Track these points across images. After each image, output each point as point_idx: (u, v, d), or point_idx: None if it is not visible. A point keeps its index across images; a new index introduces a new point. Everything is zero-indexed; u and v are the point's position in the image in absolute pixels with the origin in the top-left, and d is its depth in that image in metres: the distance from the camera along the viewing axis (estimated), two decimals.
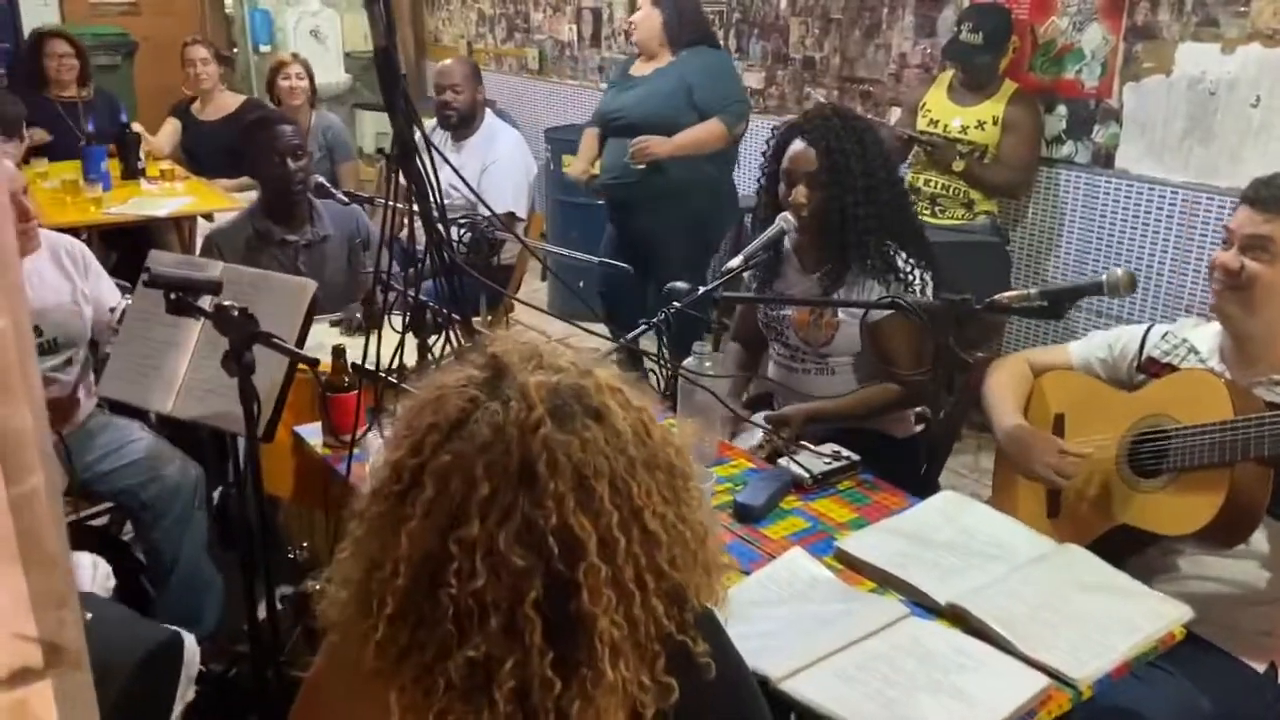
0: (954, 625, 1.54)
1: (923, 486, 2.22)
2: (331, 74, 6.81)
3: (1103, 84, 3.56)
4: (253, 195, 4.43)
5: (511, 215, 3.69)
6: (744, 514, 1.83)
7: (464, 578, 0.91)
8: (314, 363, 1.69)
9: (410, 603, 0.93)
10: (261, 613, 1.94)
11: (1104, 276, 1.76)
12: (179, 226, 4.16)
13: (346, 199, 2.62)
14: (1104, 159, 3.61)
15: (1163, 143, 3.44)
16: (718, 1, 4.97)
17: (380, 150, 6.93)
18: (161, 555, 2.52)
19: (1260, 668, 1.73)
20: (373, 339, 1.75)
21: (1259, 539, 1.69)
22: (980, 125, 3.62)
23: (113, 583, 1.97)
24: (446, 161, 1.55)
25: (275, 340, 1.61)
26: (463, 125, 3.79)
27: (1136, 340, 1.95)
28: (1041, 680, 1.39)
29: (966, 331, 1.88)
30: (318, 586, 1.44)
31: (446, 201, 1.64)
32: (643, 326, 2.18)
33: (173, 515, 2.51)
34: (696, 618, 1.00)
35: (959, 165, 3.57)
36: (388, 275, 1.61)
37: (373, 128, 7.16)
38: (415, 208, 1.60)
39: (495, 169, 3.77)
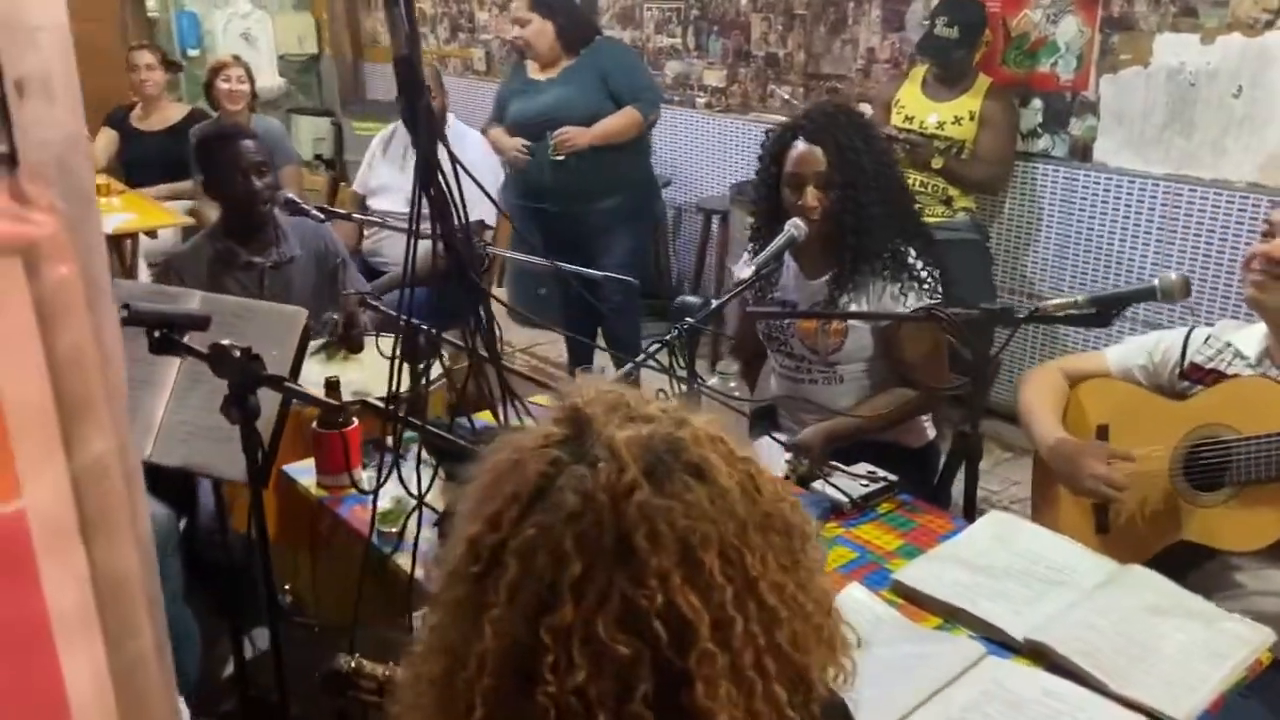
0: (1034, 663, 1.45)
1: (937, 494, 2.15)
2: (264, 78, 6.53)
3: (1079, 76, 3.52)
4: (186, 204, 4.23)
5: (481, 224, 3.54)
6: None
7: (561, 672, 0.77)
8: (342, 415, 1.52)
9: (502, 705, 0.80)
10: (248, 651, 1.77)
11: (1156, 281, 1.68)
12: (118, 246, 3.91)
13: (322, 215, 2.44)
14: (1082, 152, 3.57)
15: (1142, 135, 3.42)
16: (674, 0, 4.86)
17: (318, 156, 6.77)
18: None
19: None
20: (376, 368, 1.59)
21: None
22: (957, 121, 3.56)
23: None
24: (472, 177, 1.40)
25: (290, 385, 1.45)
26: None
27: (1178, 346, 1.88)
28: None
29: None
30: (352, 664, 1.30)
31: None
32: (655, 344, 2.04)
33: None
34: (824, 706, 0.88)
35: (937, 162, 3.51)
36: (408, 315, 1.45)
37: (309, 133, 6.90)
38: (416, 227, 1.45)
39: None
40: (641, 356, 2.05)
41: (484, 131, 3.84)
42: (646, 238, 4.07)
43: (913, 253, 2.17)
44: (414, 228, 1.32)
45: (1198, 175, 3.30)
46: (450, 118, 3.71)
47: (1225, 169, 3.24)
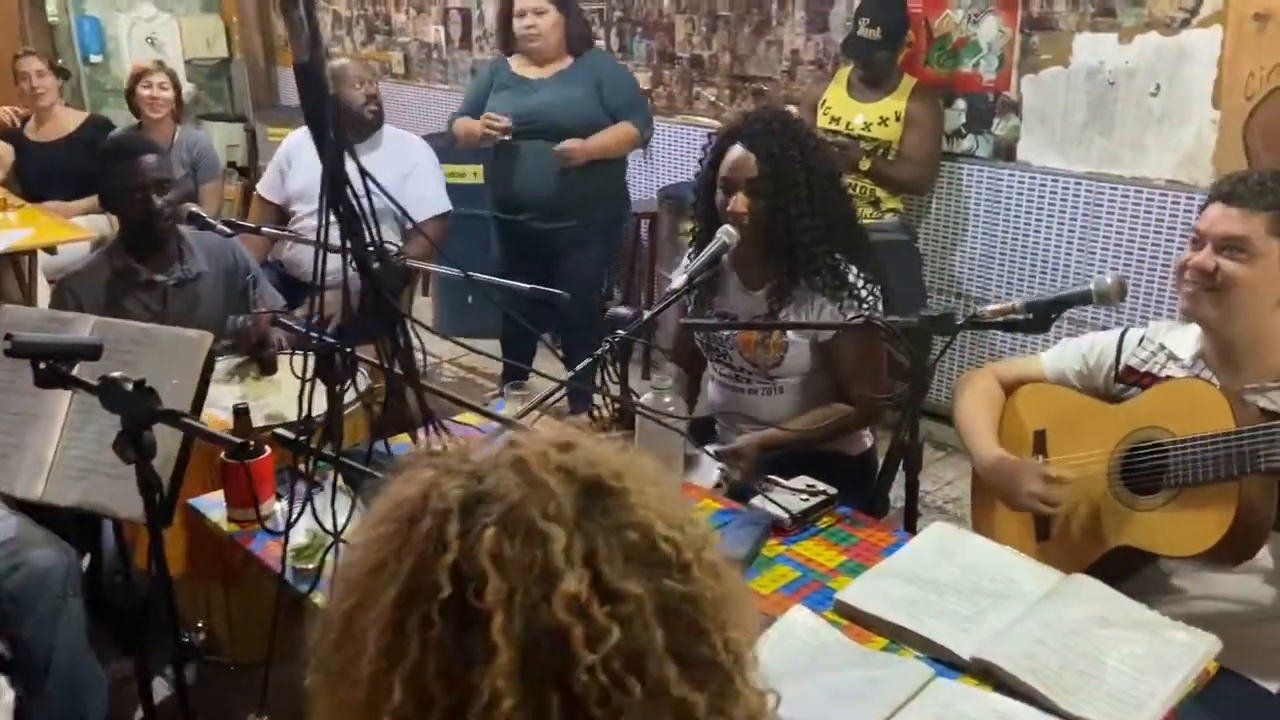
0: (983, 683, 1.40)
1: (875, 500, 2.11)
2: None
3: (1001, 77, 3.54)
4: (99, 219, 4.02)
5: (446, 215, 3.63)
6: None
7: (595, 640, 0.69)
8: (239, 449, 1.41)
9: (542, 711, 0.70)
10: None
11: (1092, 285, 1.66)
12: (15, 264, 3.69)
13: (229, 229, 2.30)
14: (1005, 152, 3.59)
15: (1063, 134, 3.44)
16: (597, 1, 4.78)
17: (231, 164, 6.55)
18: (33, 653, 2.16)
19: (1274, 688, 1.66)
20: (291, 390, 1.48)
21: (1264, 552, 1.62)
22: (883, 121, 3.55)
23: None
24: (386, 195, 1.30)
25: (186, 421, 1.34)
26: (377, 124, 3.50)
27: (1112, 349, 1.86)
28: None
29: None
30: None
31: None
32: (588, 360, 1.96)
33: (43, 606, 2.15)
34: None
35: (865, 164, 3.49)
36: (320, 335, 1.35)
37: (221, 141, 6.66)
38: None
39: (419, 172, 3.57)
40: (576, 370, 1.98)
41: (451, 124, 3.70)
42: (613, 252, 4.05)
43: (854, 270, 2.13)
44: (323, 242, 1.22)
45: (1118, 173, 3.34)
46: (387, 127, 3.58)
47: (1145, 167, 3.28)
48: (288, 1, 1.13)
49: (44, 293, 3.74)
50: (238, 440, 1.40)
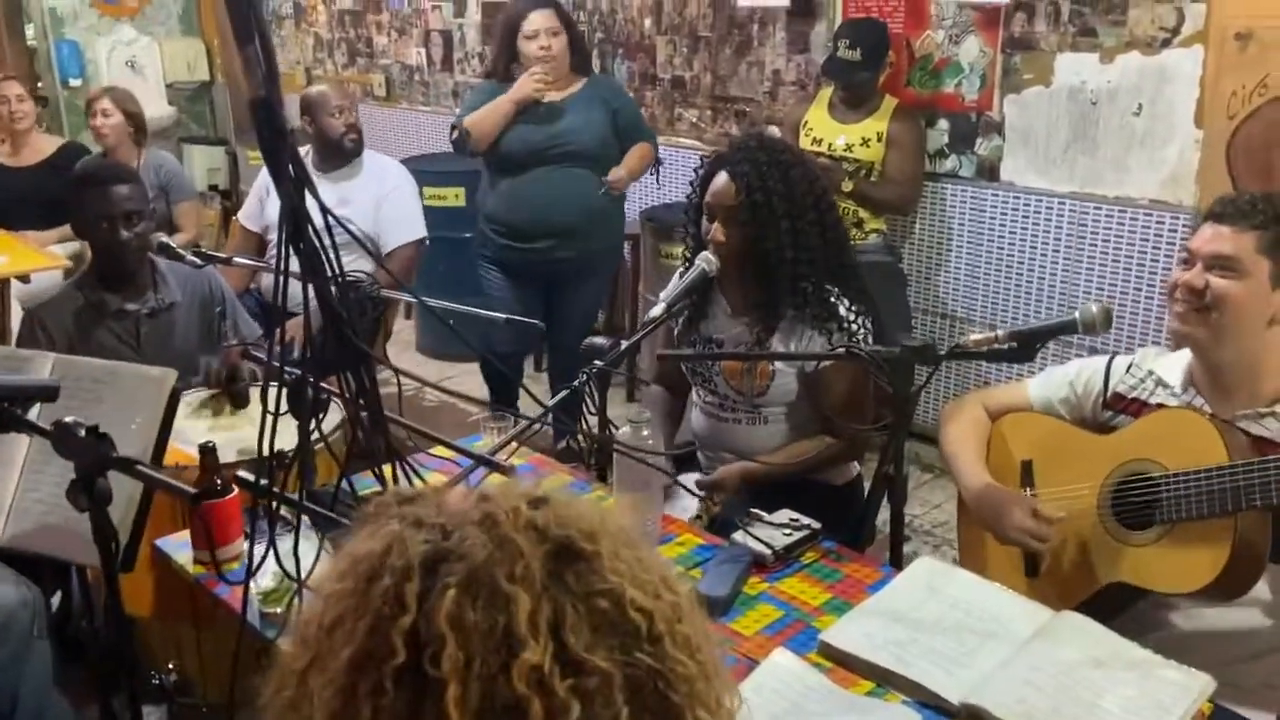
0: None
1: (859, 530, 2.07)
2: (153, 107, 6.24)
3: (983, 96, 3.52)
4: (75, 247, 3.96)
5: (423, 242, 3.58)
6: (709, 608, 1.60)
7: (554, 714, 0.65)
8: (195, 499, 1.36)
9: None
10: None
11: (1077, 314, 1.63)
12: None
13: (199, 261, 2.26)
14: (989, 172, 3.57)
15: (1046, 154, 3.43)
16: (578, 22, 4.76)
17: (213, 187, 6.49)
18: None
19: None
20: (251, 428, 1.42)
21: (1260, 587, 1.59)
22: (865, 142, 3.53)
23: None
24: (346, 229, 1.26)
25: (140, 468, 1.29)
26: (357, 152, 3.44)
27: (1100, 375, 1.83)
28: None
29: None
30: None
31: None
32: (563, 390, 1.92)
33: (8, 649, 2.09)
34: None
35: (847, 185, 3.47)
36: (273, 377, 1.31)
37: (202, 164, 6.62)
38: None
39: (396, 196, 3.52)
40: (552, 402, 1.93)
41: (455, 127, 3.42)
42: (611, 279, 4.02)
43: (845, 303, 2.08)
44: (283, 282, 1.17)
45: (1102, 193, 3.32)
46: (366, 152, 3.53)
47: (1128, 186, 3.26)
48: (243, 37, 1.09)
49: (16, 322, 3.68)
50: (192, 491, 1.35)
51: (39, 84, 6.65)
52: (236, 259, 2.45)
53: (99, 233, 2.39)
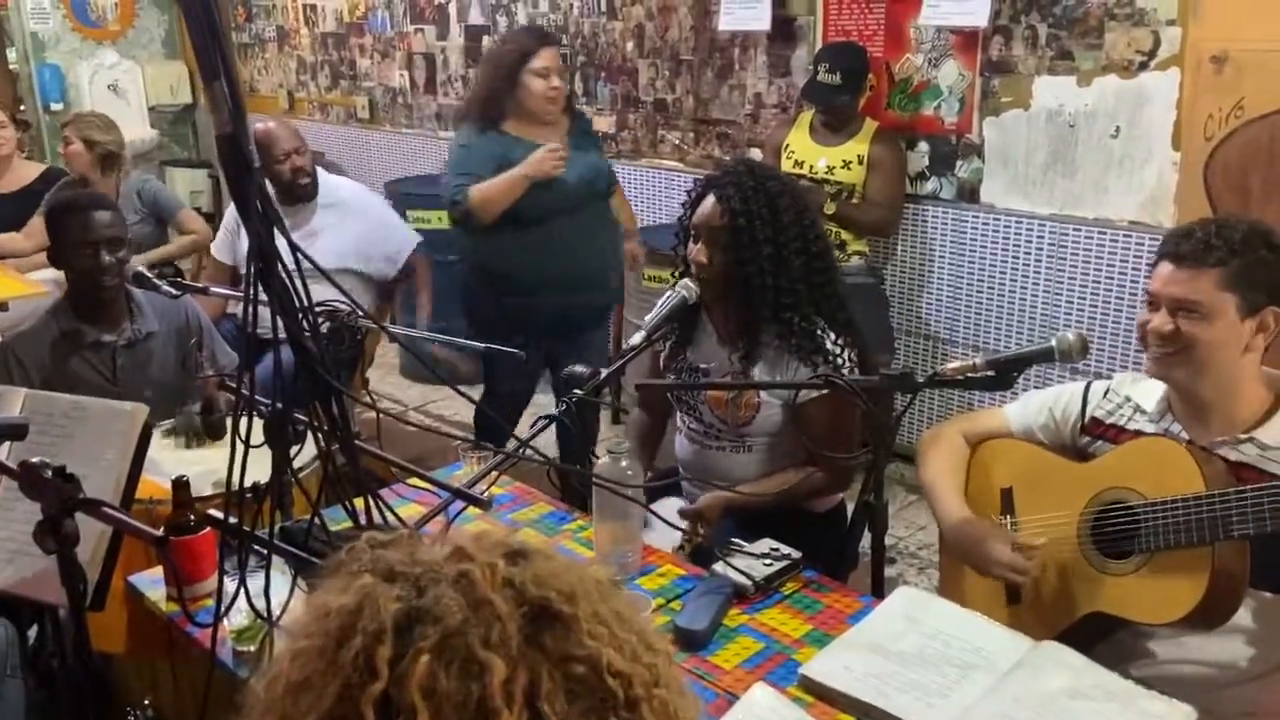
0: None
1: (842, 558, 2.06)
2: (136, 130, 6.23)
3: (962, 119, 3.54)
4: (56, 275, 3.92)
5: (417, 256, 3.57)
6: (688, 641, 1.59)
7: None
8: (160, 541, 1.34)
9: None
10: None
11: (1054, 342, 1.63)
12: None
13: (175, 291, 2.24)
14: (969, 194, 3.59)
15: (1026, 176, 3.44)
16: (560, 45, 4.76)
17: (195, 210, 6.47)
18: None
19: None
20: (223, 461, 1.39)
21: (1240, 614, 1.58)
22: (846, 165, 3.54)
23: None
24: (320, 269, 1.25)
25: (107, 510, 1.27)
26: (310, 195, 3.40)
27: (1078, 401, 1.83)
28: None
29: None
30: None
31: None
32: (543, 421, 1.90)
33: None
34: None
35: (829, 207, 3.48)
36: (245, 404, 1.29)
37: (185, 187, 6.60)
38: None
39: (380, 221, 3.54)
40: (531, 434, 1.91)
41: (456, 201, 3.05)
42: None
43: (831, 336, 2.07)
44: (252, 322, 1.16)
45: (1081, 215, 3.34)
46: (321, 174, 3.50)
47: (1107, 208, 3.28)
48: (209, 75, 1.08)
49: None
50: (157, 534, 1.33)
51: (21, 108, 6.63)
52: (213, 289, 2.42)
53: (81, 259, 2.38)
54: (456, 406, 4.54)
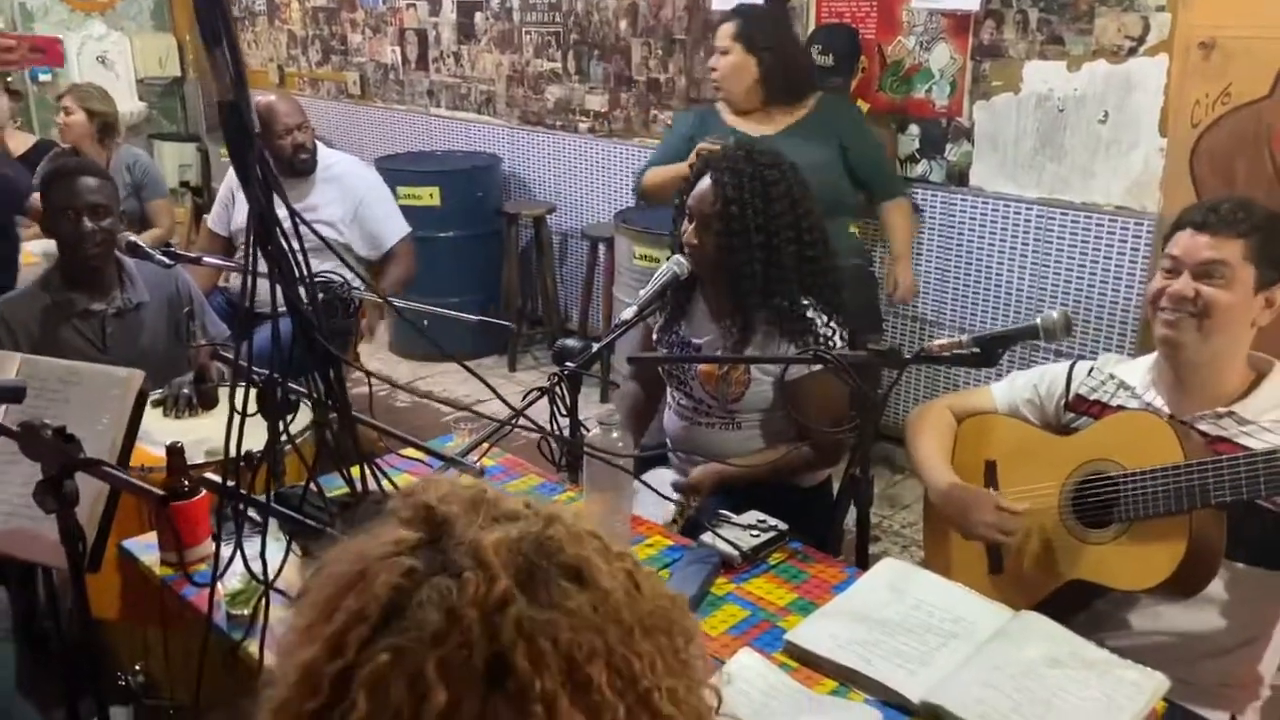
0: None
1: (828, 532, 2.09)
2: (124, 103, 6.19)
3: (953, 103, 3.56)
4: (49, 245, 3.91)
5: (410, 236, 3.55)
6: None
7: None
8: (163, 500, 1.36)
9: None
10: None
11: (1038, 320, 1.66)
12: None
13: (168, 260, 2.24)
14: (958, 177, 3.61)
15: (1015, 160, 3.47)
16: (553, 23, 4.77)
17: (184, 183, 6.44)
18: None
19: (1221, 719, 1.66)
20: (222, 428, 1.41)
21: (1216, 585, 1.62)
22: None
23: None
24: (321, 238, 1.27)
25: (108, 469, 1.28)
26: (309, 170, 3.41)
27: (1062, 379, 1.86)
28: None
29: None
30: None
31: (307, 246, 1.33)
32: (534, 393, 1.93)
33: None
34: None
35: None
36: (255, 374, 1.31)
37: (173, 160, 6.57)
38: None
39: (373, 198, 3.51)
40: (522, 405, 1.93)
41: (641, 177, 3.06)
42: None
43: (822, 317, 2.09)
44: (250, 286, 1.18)
45: (1068, 199, 3.37)
46: (320, 148, 3.51)
47: (1094, 193, 3.31)
48: (211, 40, 1.09)
49: None
50: (159, 493, 1.35)
51: (9, 79, 6.57)
52: (206, 258, 2.43)
53: (66, 225, 2.37)
54: (445, 382, 4.56)
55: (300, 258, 1.23)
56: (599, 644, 0.68)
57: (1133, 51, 3.13)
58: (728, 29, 3.01)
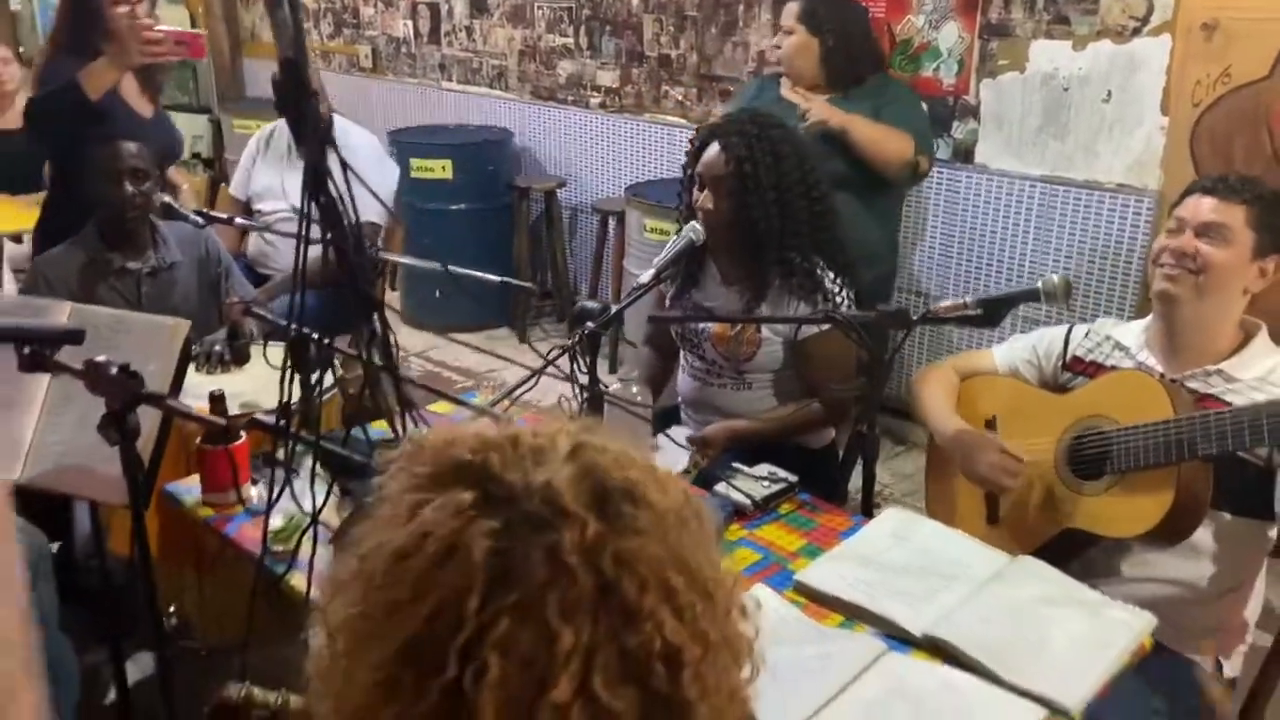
0: (933, 657, 1.48)
1: (835, 491, 2.19)
2: None
3: (960, 81, 3.63)
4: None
5: (372, 225, 3.41)
6: None
7: None
8: (227, 435, 1.45)
9: None
10: None
11: (1040, 283, 1.75)
12: None
13: (201, 220, 2.33)
14: (964, 155, 3.69)
15: (1020, 138, 3.54)
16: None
17: (196, 155, 6.49)
18: None
19: (1207, 663, 1.76)
20: (264, 378, 1.51)
21: (1202, 535, 1.72)
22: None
23: None
24: (365, 185, 1.35)
25: (172, 404, 1.38)
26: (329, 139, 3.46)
27: (1060, 341, 1.96)
28: (1038, 712, 1.35)
29: None
30: (243, 693, 1.24)
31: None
32: (556, 350, 2.01)
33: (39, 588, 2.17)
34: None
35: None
36: (298, 324, 1.40)
37: (186, 131, 6.56)
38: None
39: (366, 174, 3.52)
40: (542, 364, 2.02)
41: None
42: None
43: (830, 275, 2.18)
44: (304, 234, 1.27)
45: (1071, 176, 3.45)
46: (335, 119, 3.57)
47: (1096, 171, 3.39)
48: (273, 1, 1.17)
49: (8, 283, 3.73)
50: (223, 421, 1.44)
51: (20, 49, 6.62)
52: (237, 220, 2.51)
53: (106, 188, 2.45)
54: (456, 352, 4.65)
55: (350, 206, 1.32)
56: (666, 553, 0.76)
57: (1136, 32, 3.20)
58: (792, 9, 3.06)
